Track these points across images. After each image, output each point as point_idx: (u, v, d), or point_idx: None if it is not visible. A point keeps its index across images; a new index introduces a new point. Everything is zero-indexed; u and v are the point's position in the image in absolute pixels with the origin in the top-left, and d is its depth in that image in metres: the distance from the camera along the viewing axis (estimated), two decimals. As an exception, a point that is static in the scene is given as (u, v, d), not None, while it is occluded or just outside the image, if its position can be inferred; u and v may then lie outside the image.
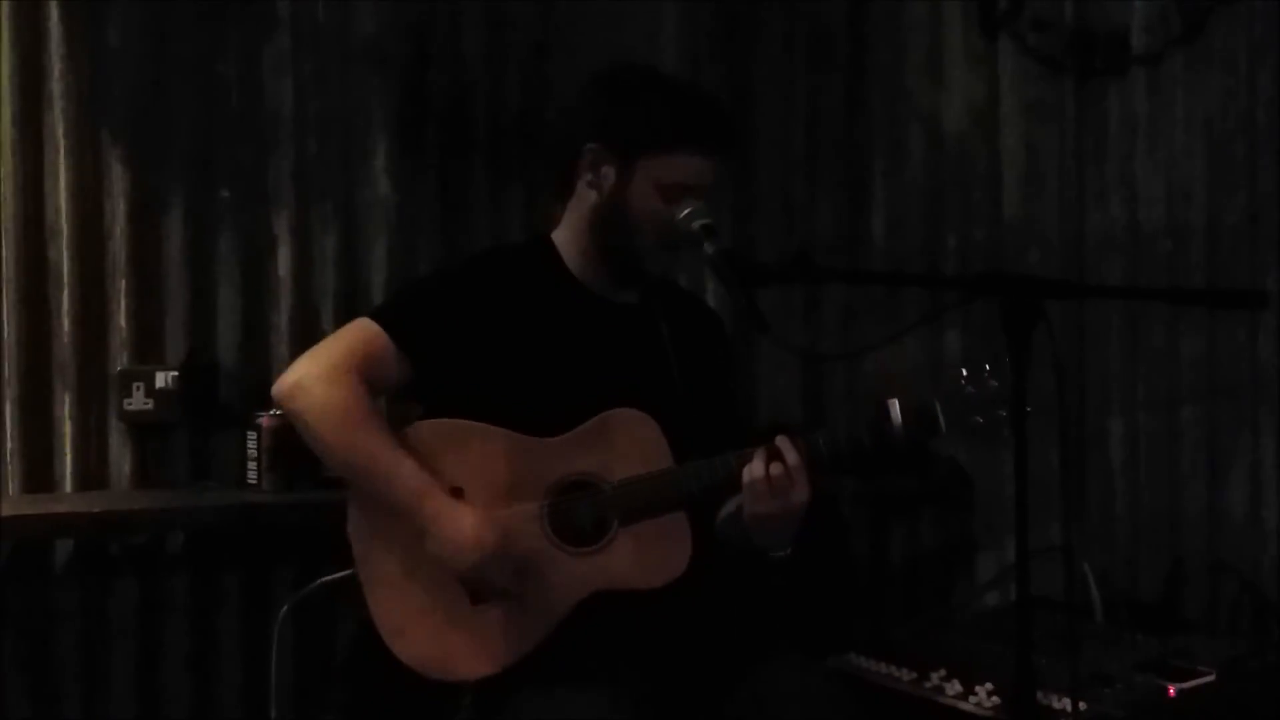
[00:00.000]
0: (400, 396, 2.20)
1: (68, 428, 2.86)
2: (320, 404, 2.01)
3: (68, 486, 2.87)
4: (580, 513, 2.01)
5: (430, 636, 1.98)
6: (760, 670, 2.02)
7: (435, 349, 2.06)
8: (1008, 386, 1.93)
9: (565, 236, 2.16)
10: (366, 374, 2.03)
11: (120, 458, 2.91)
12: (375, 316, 2.09)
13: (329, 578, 2.14)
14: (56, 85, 2.86)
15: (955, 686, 2.49)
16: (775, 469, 1.95)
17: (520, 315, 2.09)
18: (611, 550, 2.00)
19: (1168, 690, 2.38)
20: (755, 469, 1.95)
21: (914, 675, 2.55)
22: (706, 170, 2.07)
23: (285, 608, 2.48)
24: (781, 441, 1.98)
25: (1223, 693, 2.41)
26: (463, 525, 1.94)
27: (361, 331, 2.07)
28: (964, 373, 1.98)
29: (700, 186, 2.06)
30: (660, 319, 2.14)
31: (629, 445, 2.02)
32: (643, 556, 2.00)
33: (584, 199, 2.12)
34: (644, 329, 2.14)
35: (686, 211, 2.03)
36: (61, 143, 2.86)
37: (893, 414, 1.99)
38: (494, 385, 2.06)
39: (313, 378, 2.03)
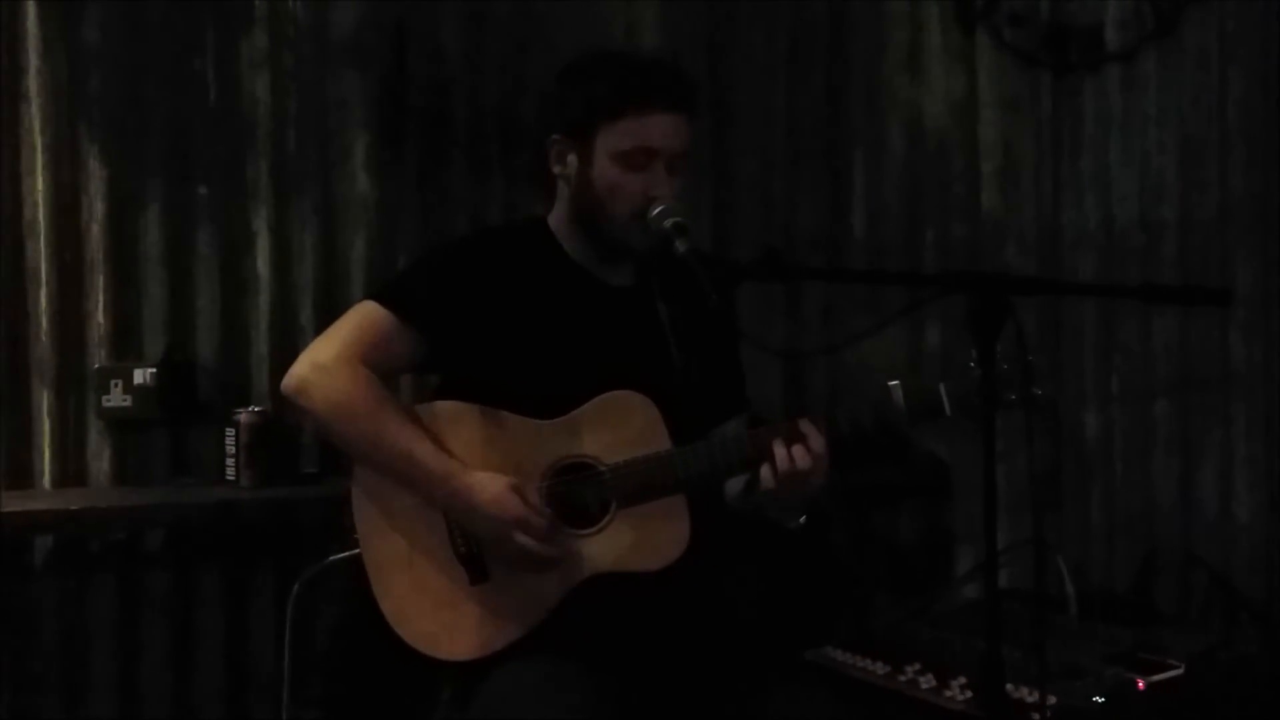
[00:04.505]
0: (419, 371, 2.21)
1: (46, 425, 2.88)
2: (326, 399, 2.02)
3: (46, 483, 2.88)
4: (578, 495, 2.01)
5: (432, 615, 1.99)
6: (772, 693, 2.02)
7: (440, 318, 2.06)
8: (1018, 371, 1.92)
9: (557, 221, 2.16)
10: (372, 358, 2.03)
11: (99, 454, 2.93)
12: (376, 297, 2.09)
13: (337, 556, 2.13)
14: (33, 82, 2.87)
15: (929, 680, 2.51)
16: (799, 453, 1.94)
17: (520, 294, 2.09)
18: (610, 532, 2.00)
19: (1137, 683, 2.39)
20: (779, 452, 1.94)
21: (889, 669, 2.57)
22: (663, 130, 2.03)
23: (297, 586, 2.45)
24: (805, 425, 1.96)
25: (1191, 685, 2.43)
26: (495, 491, 1.95)
27: (363, 315, 2.07)
28: (973, 355, 1.87)
29: (665, 149, 2.02)
30: (657, 299, 2.14)
31: (627, 427, 2.01)
32: (641, 539, 2.00)
33: (562, 191, 2.13)
34: (641, 310, 2.13)
35: (658, 210, 2.02)
36: (39, 139, 2.87)
37: (895, 397, 1.98)
38: (495, 362, 2.06)
39: (318, 371, 2.02)
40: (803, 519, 2.06)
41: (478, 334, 2.07)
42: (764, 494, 1.98)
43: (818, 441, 1.95)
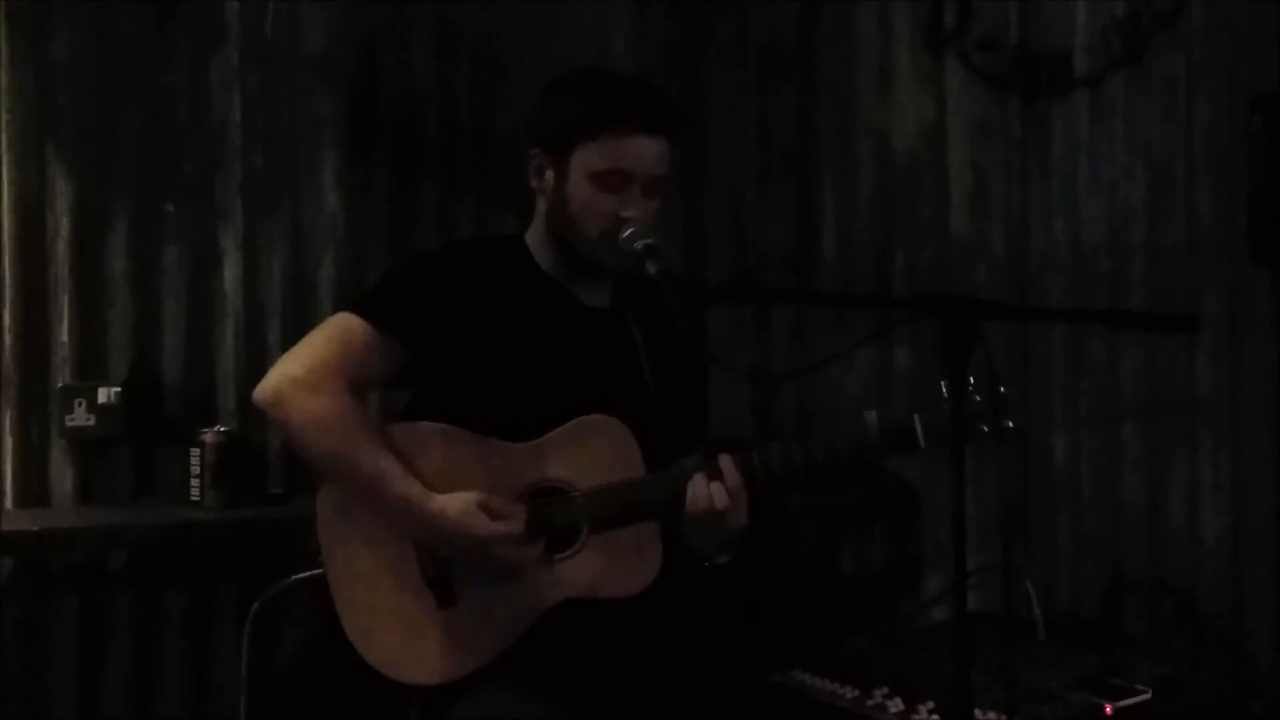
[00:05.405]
0: (393, 385, 2.17)
1: (9, 444, 2.85)
2: (302, 413, 1.98)
3: (8, 503, 2.85)
4: (551, 519, 2.00)
5: (398, 638, 1.97)
6: (740, 718, 2.01)
7: (419, 325, 2.04)
8: (989, 403, 1.92)
9: (535, 238, 2.16)
10: (350, 372, 2.01)
11: (62, 474, 2.90)
12: (353, 307, 2.06)
13: (300, 575, 2.11)
14: (2, 98, 2.84)
15: (897, 704, 2.50)
16: (716, 490, 1.94)
17: (494, 307, 2.08)
18: (581, 558, 1.99)
19: (1104, 708, 2.40)
20: (698, 488, 1.95)
21: (857, 693, 2.56)
22: (640, 152, 2.03)
23: (256, 605, 2.44)
24: (724, 461, 1.96)
25: (1158, 711, 2.44)
26: (459, 510, 1.92)
27: (341, 327, 2.04)
28: (944, 387, 1.88)
29: (640, 172, 2.02)
30: (632, 321, 2.13)
31: (601, 452, 2.01)
32: (612, 565, 1.99)
33: (540, 205, 2.13)
34: (616, 331, 2.13)
35: (629, 231, 2.02)
36: (5, 155, 2.85)
37: (870, 427, 1.98)
38: (468, 377, 2.05)
39: (295, 384, 1.99)
40: (725, 559, 2.04)
41: (453, 344, 2.05)
42: (687, 527, 1.98)
43: (734, 479, 1.95)
